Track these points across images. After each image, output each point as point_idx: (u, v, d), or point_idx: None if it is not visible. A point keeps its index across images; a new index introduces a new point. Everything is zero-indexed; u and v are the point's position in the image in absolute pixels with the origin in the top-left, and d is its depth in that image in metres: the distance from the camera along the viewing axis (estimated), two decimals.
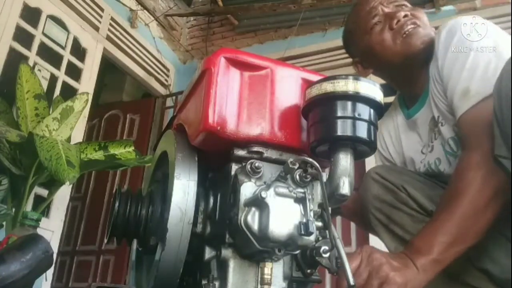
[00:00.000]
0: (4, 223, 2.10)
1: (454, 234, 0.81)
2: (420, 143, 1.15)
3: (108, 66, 3.84)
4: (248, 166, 0.72)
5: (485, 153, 0.84)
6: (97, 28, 3.33)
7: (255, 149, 0.75)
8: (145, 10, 3.88)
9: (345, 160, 0.74)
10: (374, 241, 2.70)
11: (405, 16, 1.07)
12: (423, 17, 1.09)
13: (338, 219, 3.03)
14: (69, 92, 2.95)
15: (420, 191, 1.04)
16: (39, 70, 2.82)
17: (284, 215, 0.67)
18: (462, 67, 0.94)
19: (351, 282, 0.67)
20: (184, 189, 0.72)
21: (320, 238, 0.74)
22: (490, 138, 0.81)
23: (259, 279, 0.70)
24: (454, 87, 0.95)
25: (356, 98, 0.73)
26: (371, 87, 0.74)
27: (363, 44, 1.13)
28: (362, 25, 1.13)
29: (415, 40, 1.05)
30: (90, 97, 2.79)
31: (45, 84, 2.76)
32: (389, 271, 0.75)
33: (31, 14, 2.82)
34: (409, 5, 1.13)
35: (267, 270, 0.69)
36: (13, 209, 2.14)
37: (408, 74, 1.12)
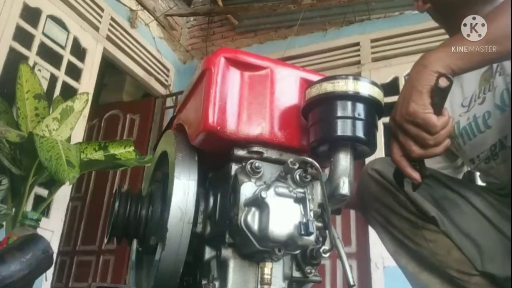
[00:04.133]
0: (4, 223, 2.09)
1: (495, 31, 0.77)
2: (461, 95, 1.08)
3: (108, 66, 3.83)
4: (248, 166, 0.72)
5: None
6: (97, 28, 3.33)
7: (255, 149, 0.75)
8: (145, 10, 3.88)
9: (345, 160, 0.74)
10: (374, 241, 2.71)
11: None
12: None
13: (338, 219, 3.03)
14: (69, 92, 2.94)
15: (422, 192, 0.96)
16: (39, 70, 2.81)
17: (284, 215, 0.67)
18: None
19: (351, 282, 0.67)
20: (184, 189, 0.72)
21: (320, 238, 0.75)
22: None
23: (259, 279, 0.70)
24: None
25: (356, 98, 0.72)
26: (371, 87, 0.74)
27: None
28: None
29: None
30: (90, 97, 2.79)
31: (45, 84, 2.75)
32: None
33: (31, 14, 2.81)
34: None
35: (267, 270, 0.69)
36: (13, 209, 2.14)
37: (464, 14, 1.08)
